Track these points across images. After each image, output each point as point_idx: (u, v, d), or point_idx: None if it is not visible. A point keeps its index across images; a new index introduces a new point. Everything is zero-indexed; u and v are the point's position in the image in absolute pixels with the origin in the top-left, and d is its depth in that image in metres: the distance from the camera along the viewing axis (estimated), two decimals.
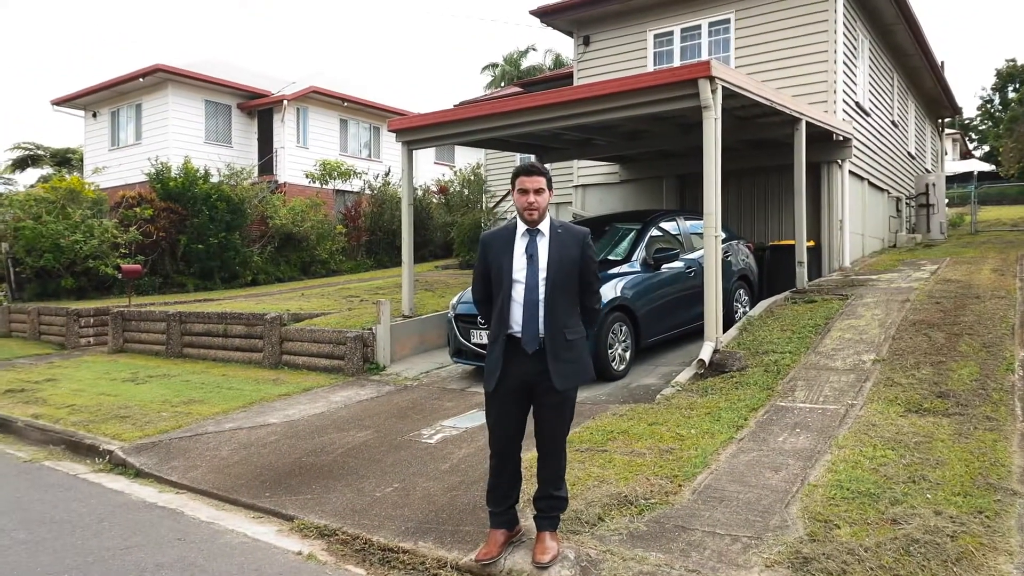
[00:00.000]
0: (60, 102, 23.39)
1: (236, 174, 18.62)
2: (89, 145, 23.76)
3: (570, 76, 14.33)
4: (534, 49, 36.77)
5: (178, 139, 20.79)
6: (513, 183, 3.58)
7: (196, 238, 16.41)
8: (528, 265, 3.50)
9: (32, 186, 23.06)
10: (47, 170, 32.14)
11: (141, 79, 20.84)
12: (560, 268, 3.48)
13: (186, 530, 4.45)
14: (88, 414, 7.22)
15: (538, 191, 3.51)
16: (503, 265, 3.54)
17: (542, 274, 3.47)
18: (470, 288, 8.76)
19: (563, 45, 40.23)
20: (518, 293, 3.50)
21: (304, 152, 22.45)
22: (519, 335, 3.49)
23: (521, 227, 3.58)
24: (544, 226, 3.56)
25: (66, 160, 32.71)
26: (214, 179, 17.63)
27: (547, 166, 3.87)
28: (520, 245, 3.56)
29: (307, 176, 21.32)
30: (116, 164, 21.58)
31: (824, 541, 3.51)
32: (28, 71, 77.32)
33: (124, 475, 5.64)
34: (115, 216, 15.90)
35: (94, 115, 23.37)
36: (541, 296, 3.46)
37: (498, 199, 19.15)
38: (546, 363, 3.45)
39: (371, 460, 5.38)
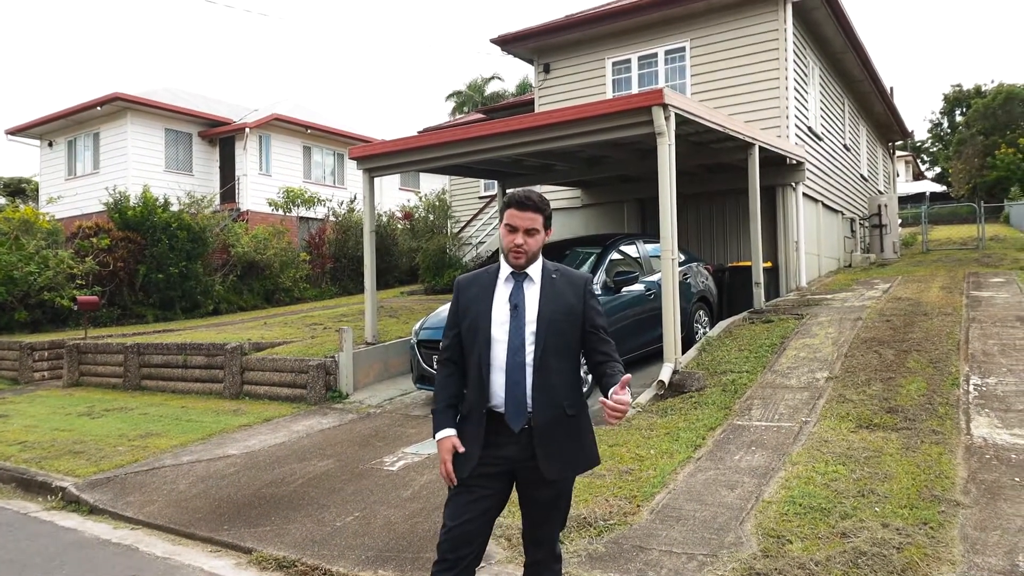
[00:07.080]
0: (14, 131, 23.00)
1: (197, 202, 18.43)
2: (45, 175, 23.33)
3: (532, 103, 14.56)
4: (500, 78, 37.25)
5: (137, 168, 20.52)
6: (502, 216, 2.79)
7: (155, 268, 16.15)
8: (512, 319, 2.71)
9: None
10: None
11: (99, 108, 20.60)
12: (552, 324, 2.71)
13: (140, 566, 4.35)
14: (41, 450, 7.03)
15: (530, 231, 2.72)
16: (479, 318, 2.75)
17: (529, 329, 2.71)
18: (433, 314, 8.87)
19: (529, 69, 40.78)
20: (498, 355, 2.71)
21: (267, 179, 22.33)
22: (501, 410, 2.71)
23: (505, 270, 2.80)
24: (535, 271, 2.79)
25: (20, 190, 32.07)
26: (174, 208, 17.41)
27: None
28: (503, 293, 2.77)
29: (270, 204, 21.19)
30: (73, 194, 21.19)
31: (776, 556, 3.59)
32: None
33: (77, 512, 5.50)
34: (71, 247, 15.59)
35: (50, 144, 22.99)
36: (528, 359, 2.69)
37: (463, 224, 19.27)
38: (533, 446, 2.70)
39: (332, 489, 5.34)
